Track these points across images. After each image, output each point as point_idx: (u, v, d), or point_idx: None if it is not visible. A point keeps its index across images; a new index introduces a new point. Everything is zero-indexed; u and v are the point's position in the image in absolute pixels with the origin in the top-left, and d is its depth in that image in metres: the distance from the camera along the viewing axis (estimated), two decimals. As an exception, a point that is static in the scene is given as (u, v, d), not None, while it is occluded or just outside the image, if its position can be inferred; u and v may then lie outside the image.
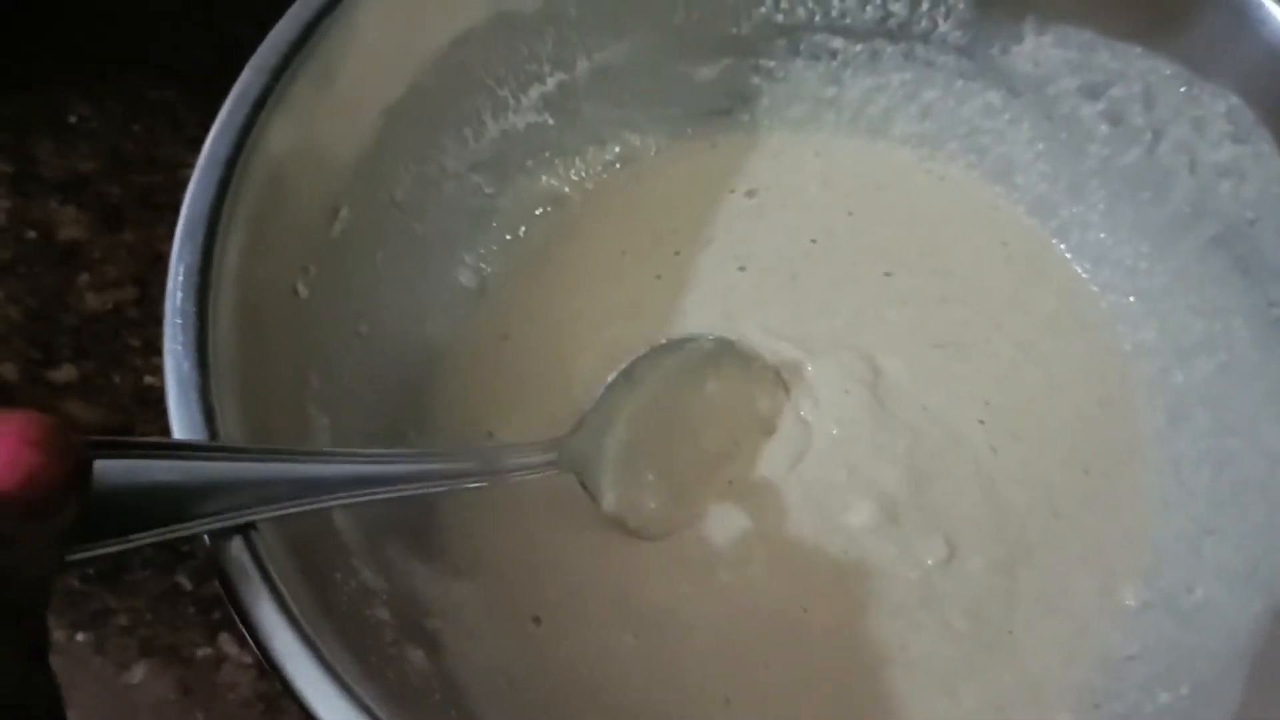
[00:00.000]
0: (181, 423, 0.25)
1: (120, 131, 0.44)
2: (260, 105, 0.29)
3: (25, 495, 0.19)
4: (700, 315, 0.37)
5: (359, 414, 0.32)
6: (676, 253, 0.39)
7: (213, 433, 0.25)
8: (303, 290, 0.30)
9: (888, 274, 0.39)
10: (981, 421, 0.35)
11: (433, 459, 0.29)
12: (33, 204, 0.42)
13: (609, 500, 0.32)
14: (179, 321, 0.26)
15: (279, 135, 0.29)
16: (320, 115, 0.31)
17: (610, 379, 0.33)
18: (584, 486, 0.32)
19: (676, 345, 0.35)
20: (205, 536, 0.24)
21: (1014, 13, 0.36)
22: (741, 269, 0.39)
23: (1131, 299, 0.37)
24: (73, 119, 0.44)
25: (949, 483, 0.35)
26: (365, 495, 0.26)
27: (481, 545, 0.33)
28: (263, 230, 0.29)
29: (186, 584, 0.36)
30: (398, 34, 0.32)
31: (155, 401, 0.38)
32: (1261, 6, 0.31)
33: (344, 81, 0.31)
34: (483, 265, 0.38)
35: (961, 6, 0.37)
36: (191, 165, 0.41)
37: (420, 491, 0.27)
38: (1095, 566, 0.34)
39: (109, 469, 0.22)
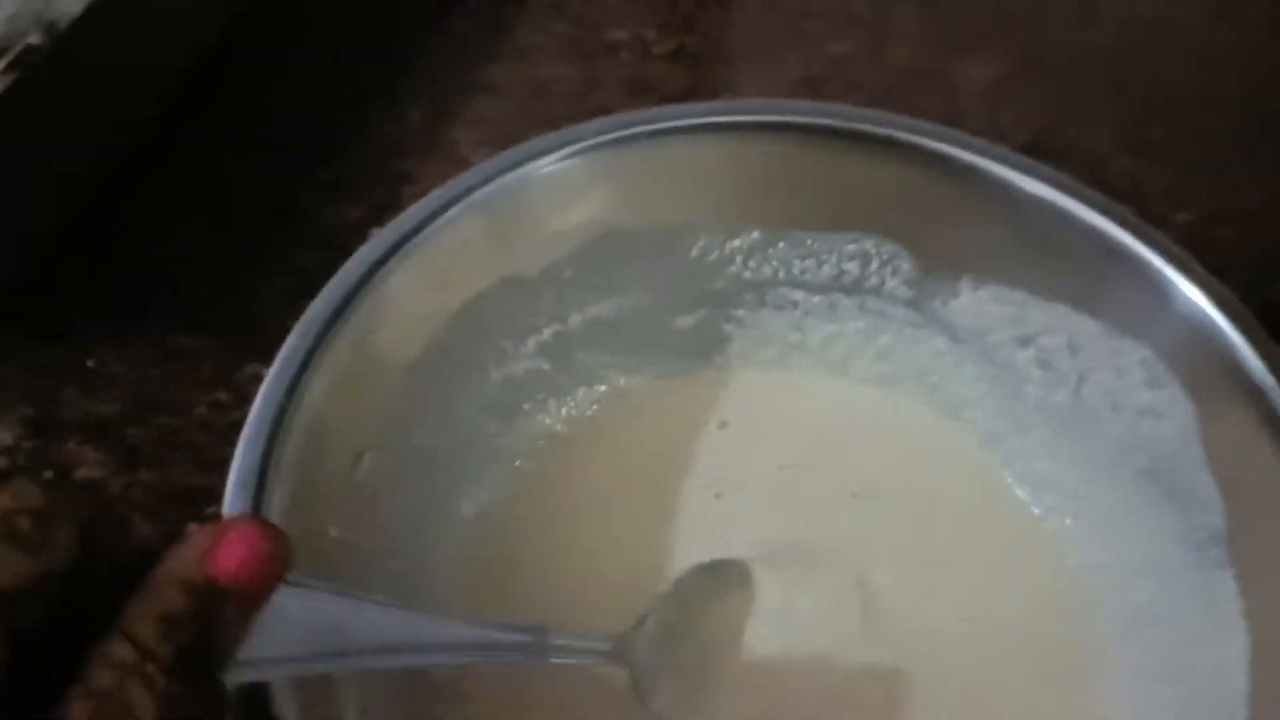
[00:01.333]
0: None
1: (141, 376, 0.47)
2: (304, 367, 0.33)
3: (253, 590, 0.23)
4: (686, 542, 0.41)
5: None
6: (658, 484, 0.43)
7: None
8: (334, 532, 0.33)
9: (854, 495, 0.42)
10: (943, 634, 0.39)
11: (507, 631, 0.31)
12: (52, 445, 0.45)
13: (661, 703, 0.34)
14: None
15: (318, 393, 0.33)
16: (354, 374, 0.35)
17: (663, 591, 0.35)
18: (634, 684, 0.33)
19: (714, 566, 0.37)
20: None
21: (953, 273, 0.41)
22: (717, 496, 0.42)
23: (1070, 521, 0.41)
24: (92, 364, 0.47)
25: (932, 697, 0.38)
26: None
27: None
28: (302, 480, 0.32)
29: None
30: (422, 299, 0.37)
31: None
32: (1168, 279, 0.36)
33: (376, 343, 0.35)
34: (483, 496, 0.41)
35: (906, 266, 0.42)
36: (206, 405, 0.46)
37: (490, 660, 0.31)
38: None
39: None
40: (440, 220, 0.37)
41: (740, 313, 0.44)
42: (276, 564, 0.24)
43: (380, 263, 0.35)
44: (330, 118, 0.57)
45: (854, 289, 0.43)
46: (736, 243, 0.43)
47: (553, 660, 0.31)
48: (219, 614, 0.23)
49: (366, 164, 0.54)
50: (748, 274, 0.43)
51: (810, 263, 0.43)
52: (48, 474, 0.44)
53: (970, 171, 0.39)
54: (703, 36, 0.61)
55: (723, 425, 0.44)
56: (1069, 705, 0.37)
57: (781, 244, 0.43)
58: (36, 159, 0.45)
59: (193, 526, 0.24)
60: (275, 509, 0.30)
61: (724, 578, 0.37)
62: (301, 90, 0.58)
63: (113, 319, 0.48)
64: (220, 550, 0.23)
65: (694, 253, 0.43)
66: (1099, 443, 0.40)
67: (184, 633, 0.22)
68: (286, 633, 0.25)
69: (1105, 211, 0.37)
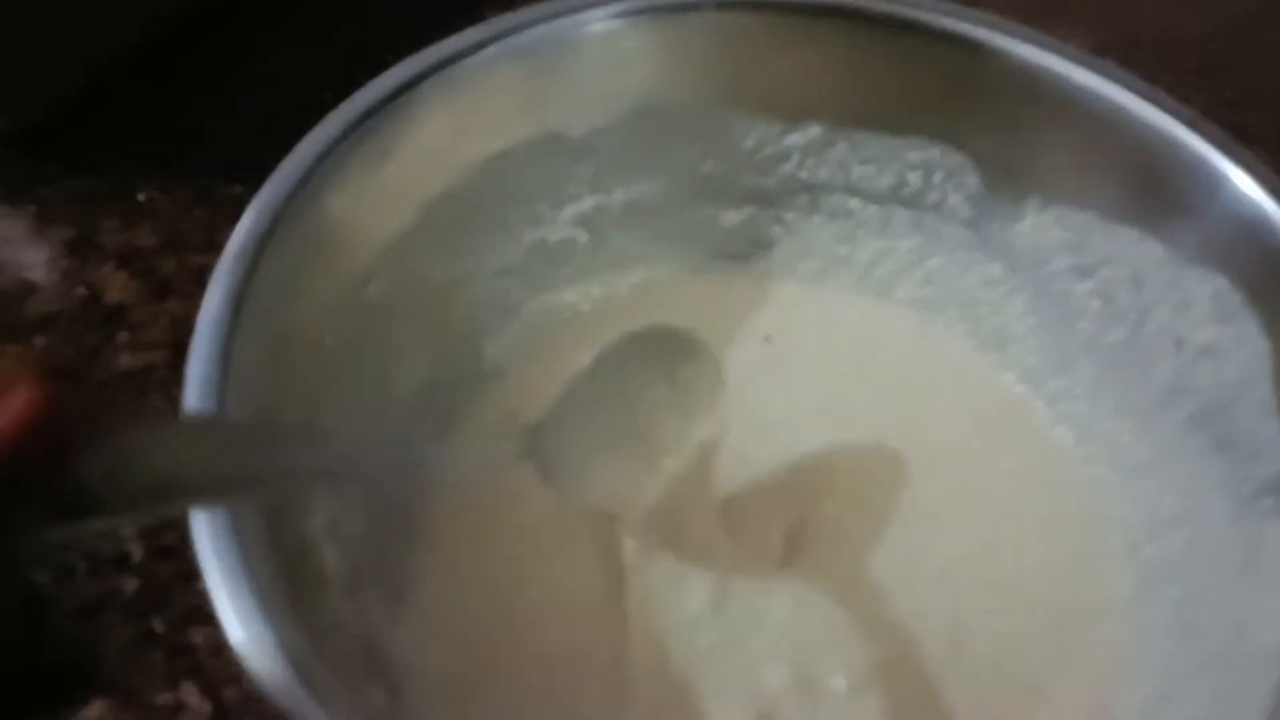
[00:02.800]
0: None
1: (183, 216, 0.47)
2: (312, 170, 0.32)
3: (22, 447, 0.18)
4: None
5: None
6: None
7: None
8: (329, 340, 0.32)
9: (877, 439, 0.40)
10: (947, 566, 0.36)
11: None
12: (88, 267, 0.45)
13: (575, 491, 0.32)
14: (211, 326, 0.28)
15: (326, 200, 0.32)
16: (366, 192, 0.33)
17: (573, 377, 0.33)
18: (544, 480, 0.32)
19: (645, 335, 0.35)
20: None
21: (1019, 191, 0.39)
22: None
23: (1110, 472, 0.38)
24: (141, 198, 0.47)
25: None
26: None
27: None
28: (299, 278, 0.31)
29: (160, 628, 0.36)
30: (450, 135, 0.35)
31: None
32: (1246, 193, 0.33)
33: (392, 167, 0.34)
34: (498, 355, 0.39)
35: (972, 181, 0.40)
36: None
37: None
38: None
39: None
40: (477, 58, 0.35)
41: (790, 215, 0.42)
42: (56, 428, 0.19)
43: (409, 85, 0.34)
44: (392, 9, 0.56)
45: (913, 202, 0.41)
46: (795, 137, 0.41)
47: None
48: None
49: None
50: (803, 174, 0.41)
51: (870, 169, 0.41)
52: (80, 290, 0.44)
53: (1046, 75, 0.36)
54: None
55: (768, 339, 0.42)
56: (1073, 650, 0.34)
57: (842, 144, 0.41)
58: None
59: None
60: (266, 295, 0.29)
61: (658, 349, 0.35)
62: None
63: (158, 158, 0.48)
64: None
65: (749, 143, 0.41)
66: (1148, 386, 0.37)
67: None
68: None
69: (1192, 125, 0.35)
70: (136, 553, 0.38)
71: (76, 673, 0.21)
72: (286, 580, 0.27)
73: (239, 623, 0.25)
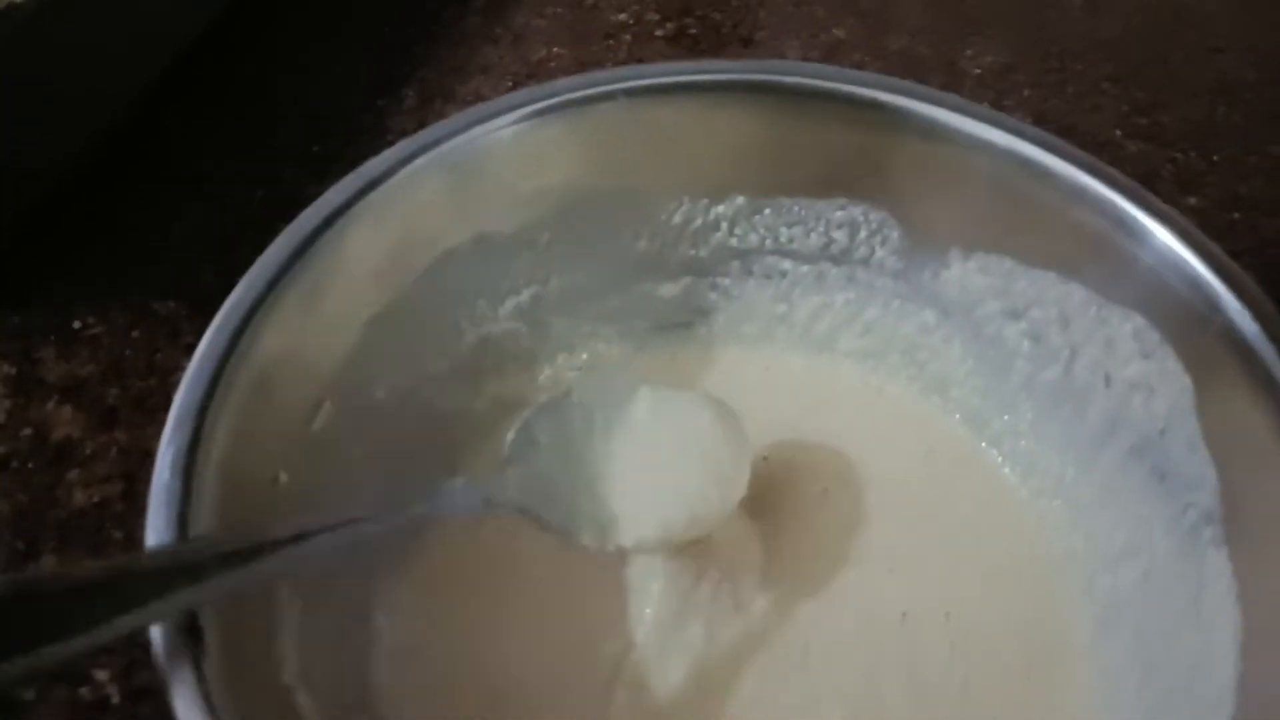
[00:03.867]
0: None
1: (122, 340, 0.47)
2: (252, 313, 0.32)
3: None
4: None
5: (331, 600, 0.34)
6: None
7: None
8: (284, 478, 0.32)
9: (824, 490, 0.41)
10: (906, 615, 0.37)
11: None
12: (32, 405, 0.45)
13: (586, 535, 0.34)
14: (163, 497, 0.28)
15: (267, 340, 0.32)
16: (307, 325, 0.34)
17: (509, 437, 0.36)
18: (541, 524, 0.34)
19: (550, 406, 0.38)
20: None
21: (941, 242, 0.40)
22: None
23: (1058, 503, 0.39)
24: (77, 325, 0.47)
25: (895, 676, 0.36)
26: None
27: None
28: (248, 423, 0.31)
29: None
30: (384, 252, 0.36)
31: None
32: (1154, 236, 0.35)
33: (331, 295, 0.34)
34: (458, 460, 0.40)
35: (895, 235, 0.41)
36: (184, 369, 0.45)
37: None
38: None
39: None
40: (403, 173, 0.36)
41: (725, 281, 0.43)
42: None
43: (338, 214, 0.34)
44: (321, 98, 0.56)
45: (842, 258, 0.42)
46: (721, 208, 0.42)
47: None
48: None
49: (355, 141, 0.54)
50: (733, 241, 0.42)
51: (798, 230, 0.42)
52: (26, 430, 0.44)
53: (950, 131, 0.38)
54: (702, 20, 0.60)
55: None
56: (1039, 695, 0.35)
57: (768, 210, 0.42)
58: (9, 133, 0.45)
59: None
60: (217, 448, 0.30)
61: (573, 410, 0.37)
62: (294, 71, 0.58)
63: (92, 284, 0.48)
64: None
65: (677, 219, 0.42)
66: (1086, 421, 0.38)
67: None
68: None
69: (1094, 172, 0.36)
70: (115, 695, 0.38)
71: None
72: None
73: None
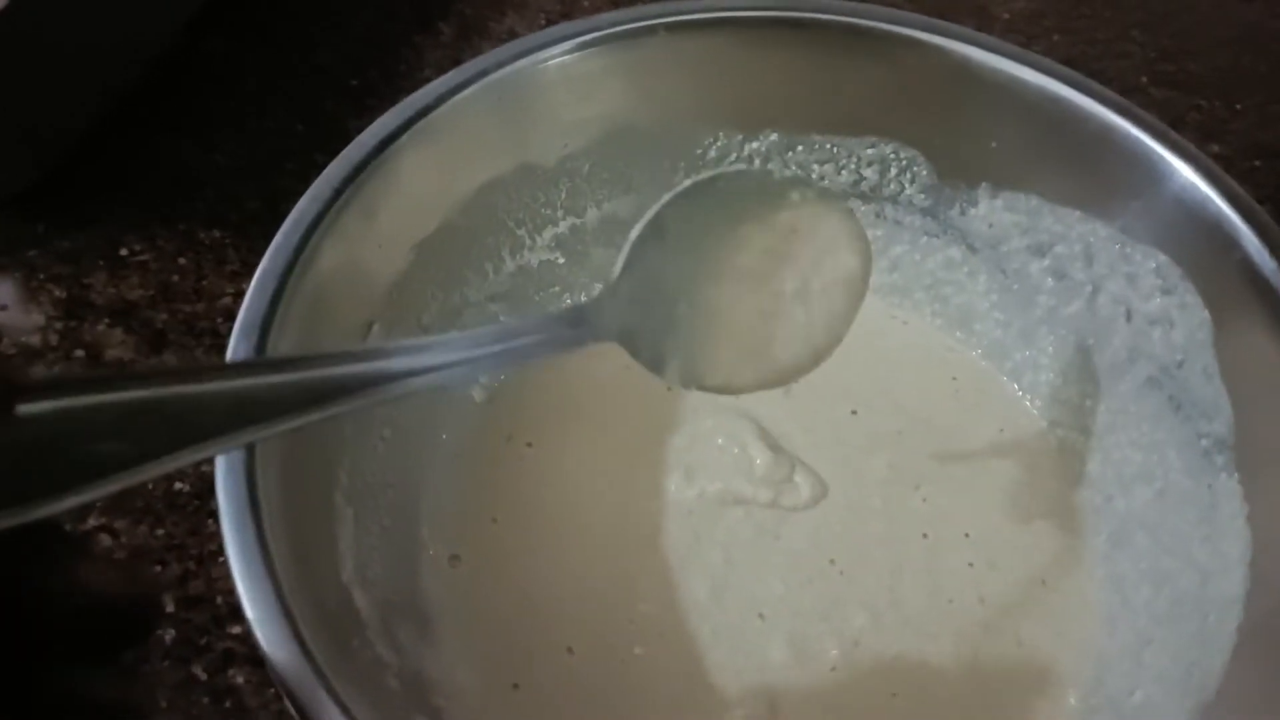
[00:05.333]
0: (228, 493, 0.28)
1: (169, 266, 0.48)
2: (312, 229, 0.33)
3: None
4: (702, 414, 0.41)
5: (380, 509, 0.35)
6: (669, 388, 0.43)
7: (258, 519, 0.28)
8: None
9: (854, 412, 0.42)
10: (926, 536, 0.39)
11: (435, 349, 0.27)
12: (83, 327, 0.46)
13: (673, 368, 0.31)
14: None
15: (326, 256, 0.34)
16: (361, 243, 0.35)
17: (635, 234, 0.32)
18: (635, 357, 0.31)
19: (713, 182, 0.32)
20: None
21: (970, 180, 0.41)
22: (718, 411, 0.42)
23: (1077, 434, 0.41)
24: (125, 253, 0.49)
25: (916, 588, 0.38)
26: (369, 398, 0.25)
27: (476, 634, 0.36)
28: (306, 336, 0.33)
29: (201, 675, 0.38)
30: (433, 179, 0.37)
31: (183, 505, 0.42)
32: (1179, 175, 0.36)
33: (384, 216, 0.36)
34: (491, 381, 0.41)
35: (924, 173, 0.42)
36: (232, 295, 0.47)
37: (431, 385, 0.26)
38: (1047, 676, 0.36)
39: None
40: (453, 101, 0.37)
41: (756, 218, 0.44)
42: None
43: (392, 138, 0.36)
44: (359, 32, 0.57)
45: (872, 195, 0.43)
46: (755, 144, 0.43)
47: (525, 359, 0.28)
48: None
49: (393, 75, 0.55)
50: (765, 177, 0.43)
51: (829, 167, 0.43)
52: (78, 353, 0.45)
53: (983, 70, 0.39)
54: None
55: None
56: (1054, 602, 0.37)
57: (800, 147, 0.43)
58: (53, 60, 0.47)
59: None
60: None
61: (719, 194, 0.32)
62: (333, 6, 0.59)
63: (139, 212, 0.49)
64: None
65: (712, 153, 0.43)
66: (1105, 353, 0.40)
67: None
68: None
69: (1122, 112, 0.37)
70: (169, 604, 0.39)
71: (130, 614, 0.23)
72: (326, 625, 0.29)
73: (284, 662, 0.26)
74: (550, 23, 0.57)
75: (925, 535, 0.39)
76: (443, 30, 0.57)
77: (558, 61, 0.39)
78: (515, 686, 0.35)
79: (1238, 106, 0.55)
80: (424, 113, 0.36)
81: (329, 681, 0.26)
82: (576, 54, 0.39)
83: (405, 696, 0.31)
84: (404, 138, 0.36)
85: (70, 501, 0.19)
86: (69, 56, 0.47)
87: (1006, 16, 0.58)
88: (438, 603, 0.36)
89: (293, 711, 0.26)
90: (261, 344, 0.31)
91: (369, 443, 0.36)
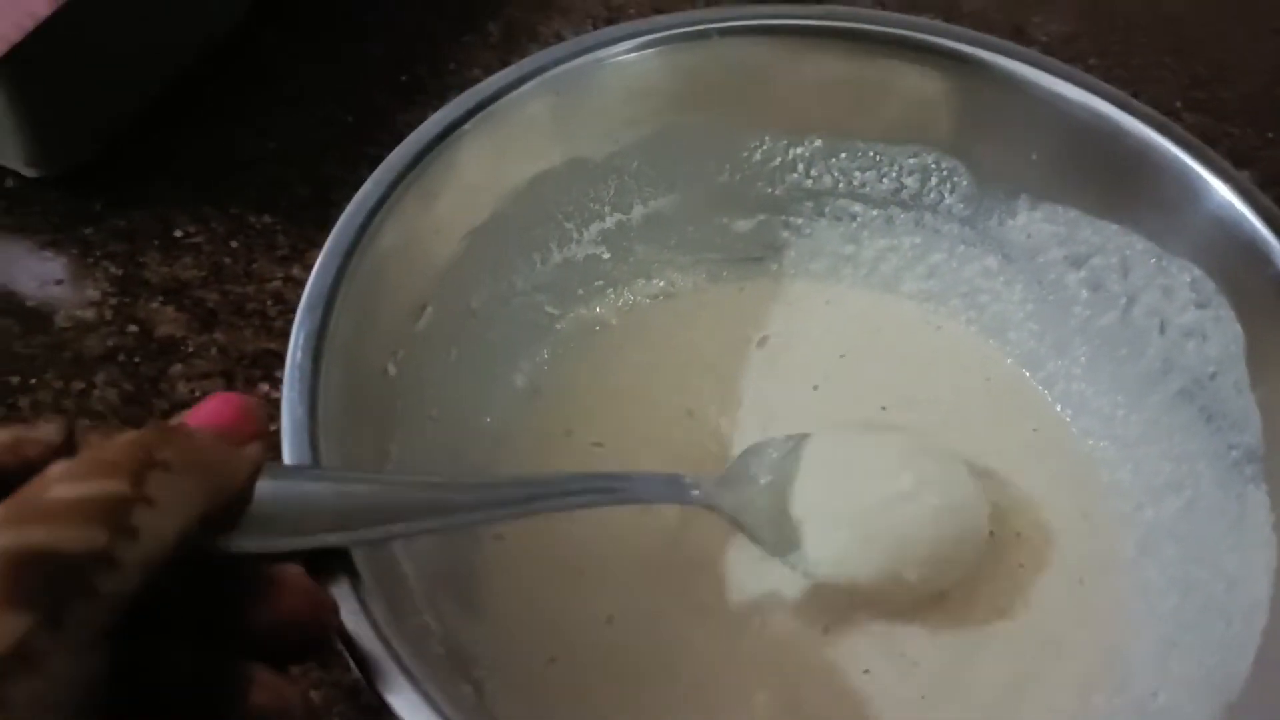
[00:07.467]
0: (294, 456, 0.29)
1: (221, 248, 0.50)
2: (375, 211, 0.35)
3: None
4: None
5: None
6: (701, 385, 0.44)
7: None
8: (392, 370, 0.35)
9: (883, 408, 0.43)
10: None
11: (561, 483, 0.34)
12: (137, 304, 0.48)
13: (815, 559, 0.37)
14: (297, 374, 0.30)
15: (386, 238, 0.35)
16: (419, 228, 0.36)
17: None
18: (753, 538, 0.37)
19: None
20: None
21: (1009, 190, 0.42)
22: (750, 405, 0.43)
23: (1107, 444, 0.42)
24: (179, 234, 0.50)
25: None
26: (497, 515, 0.33)
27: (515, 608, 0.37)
28: (367, 313, 0.34)
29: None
30: (489, 169, 0.38)
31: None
32: (1215, 193, 0.37)
33: (441, 203, 0.37)
34: (535, 372, 0.42)
35: (965, 183, 0.43)
36: (281, 279, 0.48)
37: (549, 509, 0.33)
38: (1077, 678, 0.37)
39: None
40: (513, 94, 0.38)
41: (798, 220, 0.45)
42: (253, 416, 0.26)
43: (455, 126, 0.37)
44: (410, 30, 0.59)
45: (912, 204, 0.44)
46: (799, 149, 0.44)
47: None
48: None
49: (442, 72, 0.56)
50: (808, 182, 0.45)
51: (870, 175, 0.44)
52: (131, 328, 0.47)
53: (1027, 85, 0.40)
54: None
55: (762, 342, 0.45)
56: (1090, 601, 0.38)
57: (843, 154, 0.44)
58: (116, 45, 0.48)
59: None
60: (340, 335, 0.32)
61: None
62: (383, 3, 0.60)
63: (191, 193, 0.51)
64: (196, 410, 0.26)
65: (757, 156, 0.44)
66: (1139, 365, 0.40)
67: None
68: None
69: (1161, 129, 0.38)
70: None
71: (309, 627, 0.25)
72: (381, 589, 0.30)
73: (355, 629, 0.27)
74: (596, 27, 0.58)
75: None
76: (491, 31, 0.58)
77: (614, 61, 0.40)
78: (552, 660, 0.36)
79: (1269, 135, 0.56)
80: (484, 104, 0.38)
81: (391, 645, 0.27)
82: (633, 54, 0.40)
83: (451, 665, 0.32)
84: (465, 126, 0.37)
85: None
86: (131, 43, 0.49)
87: (1044, 39, 0.59)
88: (480, 578, 0.37)
89: (355, 669, 0.27)
90: (325, 320, 0.32)
91: (419, 421, 0.37)
